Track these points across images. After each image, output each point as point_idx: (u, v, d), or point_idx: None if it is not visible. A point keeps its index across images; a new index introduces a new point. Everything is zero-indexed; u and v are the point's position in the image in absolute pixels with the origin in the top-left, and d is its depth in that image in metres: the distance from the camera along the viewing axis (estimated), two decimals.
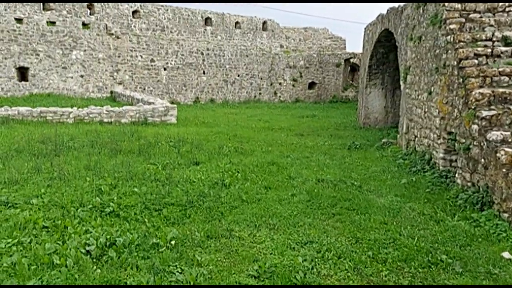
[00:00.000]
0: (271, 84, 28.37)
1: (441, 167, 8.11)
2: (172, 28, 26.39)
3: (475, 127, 6.58)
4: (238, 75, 27.37)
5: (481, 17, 7.83)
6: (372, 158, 10.52)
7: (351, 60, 29.61)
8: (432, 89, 8.68)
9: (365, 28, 17.41)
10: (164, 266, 4.53)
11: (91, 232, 5.31)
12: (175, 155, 10.32)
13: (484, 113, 6.41)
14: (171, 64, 25.12)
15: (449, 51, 7.75)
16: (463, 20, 7.71)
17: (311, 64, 28.63)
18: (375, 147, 11.84)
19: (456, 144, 7.43)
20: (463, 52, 7.19)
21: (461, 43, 7.40)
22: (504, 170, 5.71)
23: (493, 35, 7.37)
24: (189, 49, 25.69)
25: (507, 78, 6.81)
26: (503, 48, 7.14)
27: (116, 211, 6.16)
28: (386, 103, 16.35)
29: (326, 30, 31.22)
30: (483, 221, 5.81)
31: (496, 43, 7.35)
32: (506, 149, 5.77)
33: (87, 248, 4.82)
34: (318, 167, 9.54)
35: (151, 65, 24.47)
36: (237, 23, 28.98)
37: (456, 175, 7.41)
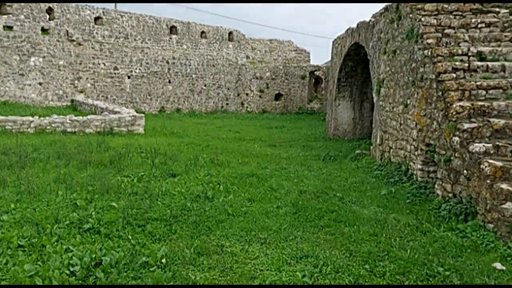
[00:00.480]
0: (238, 95, 28.31)
1: (419, 178, 8.25)
2: (136, 36, 25.85)
3: (456, 139, 6.73)
4: (205, 85, 27.13)
5: (455, 32, 8.11)
6: (348, 169, 10.60)
7: (316, 72, 30.10)
8: (408, 102, 8.86)
9: (333, 42, 17.72)
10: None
11: (72, 251, 4.95)
12: (149, 167, 9.97)
13: (466, 126, 6.57)
14: (135, 72, 24.54)
15: (427, 65, 7.95)
16: (440, 35, 7.94)
17: (277, 75, 28.84)
18: (349, 158, 11.96)
19: (435, 155, 7.58)
20: (442, 66, 7.39)
21: (439, 57, 7.60)
22: (488, 181, 5.85)
23: (468, 50, 7.63)
24: (154, 57, 25.21)
25: (484, 92, 7.04)
26: (479, 63, 7.40)
27: (96, 227, 5.79)
28: (355, 114, 16.64)
29: (291, 42, 31.62)
30: (469, 231, 5.91)
31: (471, 57, 7.61)
32: (490, 161, 5.92)
33: (72, 269, 4.47)
34: (298, 179, 9.48)
35: (115, 73, 23.80)
36: (203, 32, 28.81)
37: (436, 186, 7.55)
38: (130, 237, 5.61)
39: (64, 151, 10.84)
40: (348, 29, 14.97)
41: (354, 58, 15.25)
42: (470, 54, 7.61)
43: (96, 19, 24.40)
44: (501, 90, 7.03)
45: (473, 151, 6.27)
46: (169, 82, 25.88)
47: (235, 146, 14.51)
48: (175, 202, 7.13)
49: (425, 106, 8.03)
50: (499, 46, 7.86)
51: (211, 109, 27.23)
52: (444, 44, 7.86)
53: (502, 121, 6.46)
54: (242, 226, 6.29)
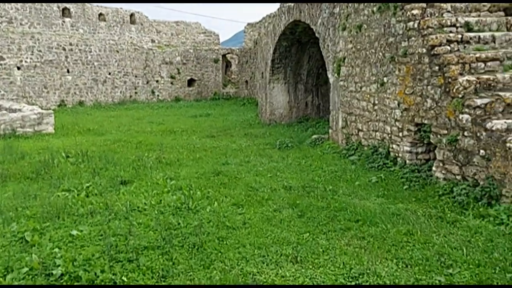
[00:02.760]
0: (148, 82, 25.99)
1: (407, 161, 7.71)
2: (23, 20, 22.09)
3: (465, 116, 6.21)
4: (109, 73, 24.36)
5: (438, 2, 7.59)
6: (314, 157, 9.78)
7: (228, 55, 28.94)
8: (385, 80, 8.24)
9: (261, 22, 16.72)
10: None
11: None
12: (88, 175, 8.07)
13: (478, 101, 6.06)
14: (26, 62, 20.98)
15: (412, 38, 7.34)
16: (424, 5, 7.37)
17: (188, 60, 27.07)
18: (307, 144, 11.17)
19: (432, 136, 7.05)
20: (436, 38, 6.81)
21: (429, 29, 7.03)
22: None
23: (456, 20, 7.17)
24: (47, 44, 21.80)
25: (483, 64, 6.63)
26: (471, 34, 6.97)
27: (71, 272, 4.11)
28: (290, 98, 15.95)
29: (199, 24, 29.93)
30: (505, 218, 5.41)
31: (459, 28, 7.17)
32: None
33: None
34: (271, 173, 8.40)
35: (0, 64, 20.05)
36: (100, 14, 25.77)
37: (434, 168, 7.04)
38: (126, 279, 4.06)
39: None
40: (282, 7, 14.05)
41: (289, 38, 14.44)
42: (458, 25, 7.16)
43: None
44: (498, 62, 6.67)
45: (493, 128, 5.77)
46: (68, 71, 22.67)
47: (171, 140, 12.87)
48: (154, 220, 5.58)
49: (412, 83, 7.44)
50: (479, 16, 7.54)
51: (118, 100, 24.59)
52: (429, 15, 7.31)
53: None
54: (253, 241, 5.07)
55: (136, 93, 25.54)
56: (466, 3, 7.56)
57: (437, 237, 5.12)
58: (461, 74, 6.54)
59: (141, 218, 5.66)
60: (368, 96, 8.93)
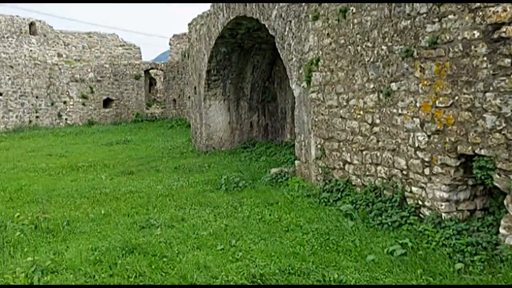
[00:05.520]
0: (53, 104, 21.45)
1: (443, 214, 4.81)
2: None
3: None
4: (1, 94, 19.60)
5: None
6: (281, 204, 6.59)
7: (151, 71, 25.24)
8: (394, 87, 5.36)
9: (191, 24, 13.49)
10: None
11: None
12: None
13: None
14: None
15: (451, 16, 4.52)
16: None
17: (104, 76, 22.93)
18: (265, 182, 7.96)
19: (496, 177, 4.20)
20: (504, 12, 4.02)
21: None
22: None
23: None
24: None
25: None
26: None
27: None
28: (231, 117, 12.77)
29: (116, 36, 25.97)
30: None
31: None
32: None
33: None
34: (220, 241, 5.09)
35: None
36: None
37: (502, 230, 4.19)
38: None
39: None
40: (217, 3, 10.92)
41: (229, 42, 11.35)
42: None
43: None
44: None
45: None
46: None
47: (69, 183, 9.08)
48: None
49: (451, 90, 4.60)
50: None
51: (14, 126, 19.84)
52: None
53: None
54: None
55: (37, 117, 20.89)
56: None
57: None
58: None
59: None
60: (362, 112, 5.99)
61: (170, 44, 24.73)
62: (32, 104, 20.72)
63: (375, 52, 5.65)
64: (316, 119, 7.09)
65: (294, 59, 7.66)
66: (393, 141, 5.47)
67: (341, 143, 6.51)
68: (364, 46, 5.85)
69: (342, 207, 5.83)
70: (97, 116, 22.79)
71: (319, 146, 7.08)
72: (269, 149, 11.68)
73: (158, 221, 5.94)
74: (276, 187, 7.62)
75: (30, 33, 22.67)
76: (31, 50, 22.23)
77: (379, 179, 5.78)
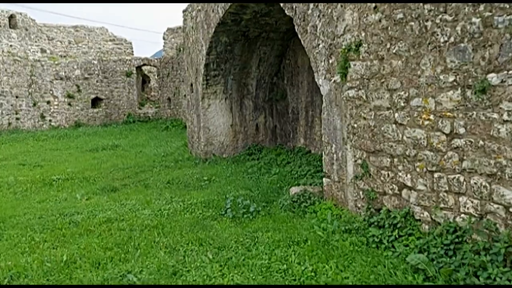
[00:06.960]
0: (35, 104, 19.53)
1: None
2: None
3: None
4: None
5: None
6: (313, 243, 4.76)
7: (144, 68, 23.33)
8: (498, 80, 3.56)
9: (186, 11, 11.62)
10: None
11: None
12: None
13: None
14: None
15: None
16: None
17: (92, 74, 21.01)
18: (282, 206, 6.13)
19: None
20: None
21: None
22: None
23: None
24: None
25: None
26: None
27: None
28: (233, 119, 10.93)
29: (105, 30, 24.02)
30: None
31: None
32: None
33: None
34: None
35: None
36: None
37: None
38: None
39: None
40: None
41: (231, 30, 9.51)
42: None
43: None
44: None
45: None
46: None
47: (35, 204, 7.24)
48: None
49: None
50: None
51: None
52: None
53: None
54: None
55: (18, 119, 18.97)
56: None
57: None
58: None
59: None
60: (433, 117, 4.17)
61: (164, 38, 22.79)
62: (12, 105, 18.78)
63: (459, 28, 3.81)
64: (355, 125, 5.26)
65: (321, 46, 5.81)
66: (491, 161, 3.64)
67: (396, 160, 4.68)
68: (438, 21, 4.01)
69: (409, 257, 3.99)
70: (85, 117, 20.87)
71: (359, 161, 5.25)
72: (279, 156, 9.86)
73: (139, 277, 4.10)
74: (300, 215, 5.78)
75: (10, 27, 20.68)
76: (11, 46, 20.25)
77: (463, 215, 3.96)
